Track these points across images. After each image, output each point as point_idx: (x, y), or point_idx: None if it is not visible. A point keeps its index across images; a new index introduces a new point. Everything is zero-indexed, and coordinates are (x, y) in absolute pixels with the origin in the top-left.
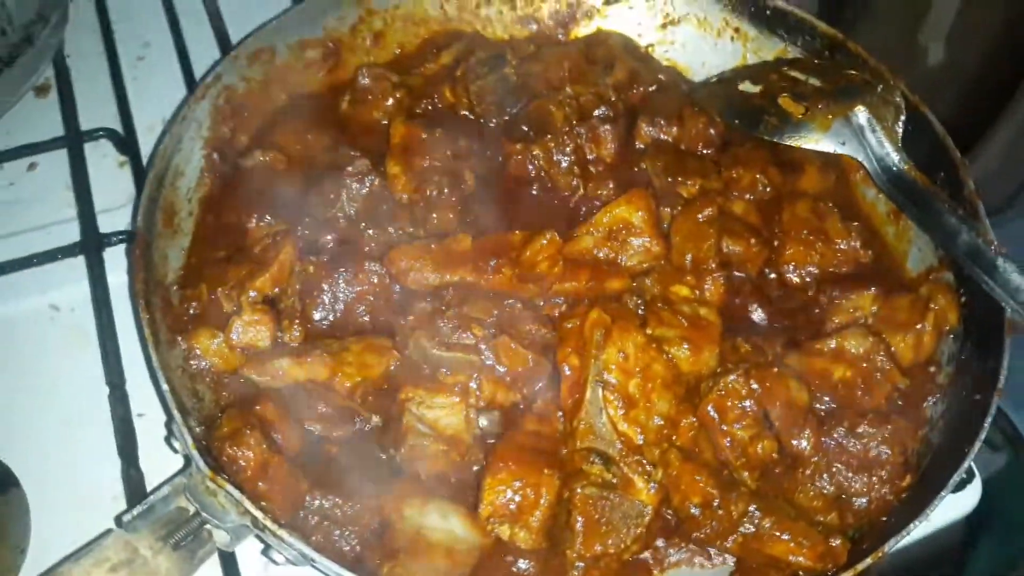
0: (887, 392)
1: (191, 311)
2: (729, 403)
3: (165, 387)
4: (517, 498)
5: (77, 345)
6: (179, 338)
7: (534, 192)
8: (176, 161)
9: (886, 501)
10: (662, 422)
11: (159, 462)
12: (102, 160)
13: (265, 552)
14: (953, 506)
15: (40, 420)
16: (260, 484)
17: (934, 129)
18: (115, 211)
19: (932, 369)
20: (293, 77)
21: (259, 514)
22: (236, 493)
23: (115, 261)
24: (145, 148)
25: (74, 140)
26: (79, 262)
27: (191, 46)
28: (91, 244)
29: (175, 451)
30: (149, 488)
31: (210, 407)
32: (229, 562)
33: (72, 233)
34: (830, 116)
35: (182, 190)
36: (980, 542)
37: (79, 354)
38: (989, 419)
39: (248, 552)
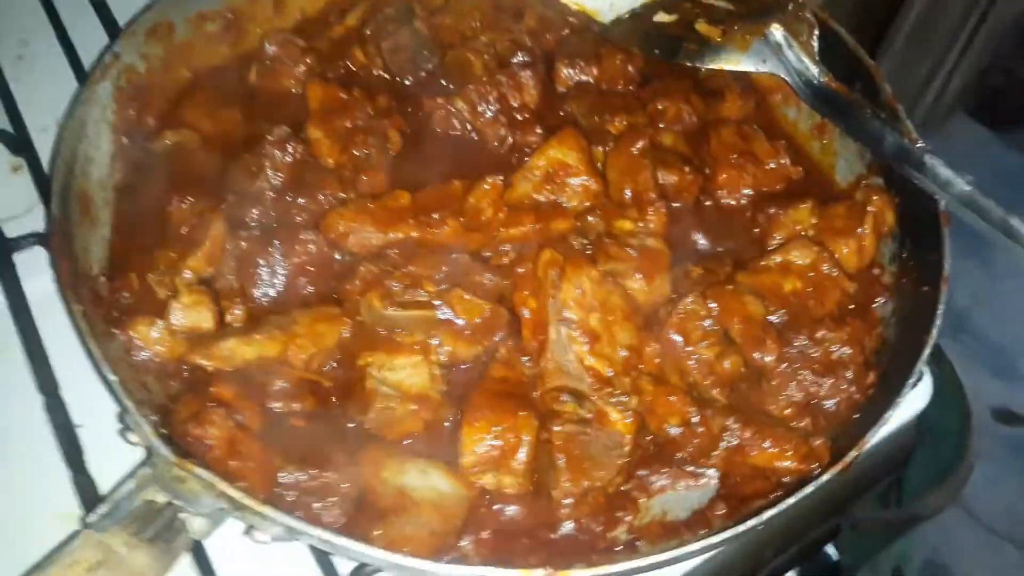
0: (837, 298)
1: (123, 301)
2: (690, 324)
3: (112, 377)
4: (498, 444)
5: None
6: (115, 331)
7: (462, 147)
8: (84, 148)
9: (854, 400)
10: (627, 353)
11: (107, 467)
12: None
13: (247, 533)
14: (909, 405)
15: None
16: (231, 463)
17: (845, 42)
18: (18, 219)
19: (876, 271)
20: (195, 52)
21: (236, 493)
22: (207, 475)
23: (28, 267)
24: (40, 149)
25: None
26: None
27: (75, 38)
28: None
29: (132, 443)
30: (103, 493)
31: (160, 398)
32: (199, 553)
33: None
34: (748, 36)
35: (94, 178)
36: (915, 452)
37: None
38: (942, 307)
39: (218, 542)
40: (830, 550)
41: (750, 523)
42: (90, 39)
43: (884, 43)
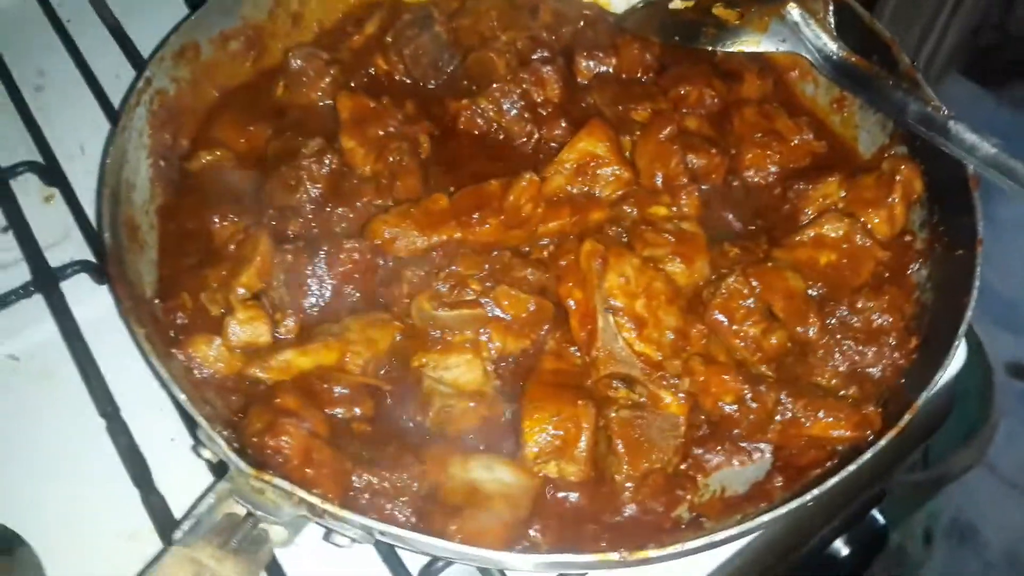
0: (871, 267)
1: (178, 322)
2: (734, 304)
3: (182, 396)
4: (559, 433)
5: (48, 390)
6: (174, 351)
7: (490, 145)
8: (125, 174)
9: (898, 365)
10: (674, 336)
11: (176, 484)
12: (25, 198)
13: (327, 538)
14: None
15: (32, 474)
16: (307, 471)
17: (859, 15)
18: (55, 247)
19: (908, 238)
20: (220, 71)
21: (316, 500)
22: (286, 485)
23: (74, 295)
24: (71, 177)
25: None
26: (31, 307)
27: (92, 63)
28: (46, 281)
29: (205, 459)
30: (174, 510)
31: (224, 412)
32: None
33: (17, 276)
34: (765, 17)
35: (138, 203)
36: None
37: (53, 398)
38: (978, 269)
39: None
40: (876, 514)
41: (813, 492)
42: (106, 62)
43: (876, 7)
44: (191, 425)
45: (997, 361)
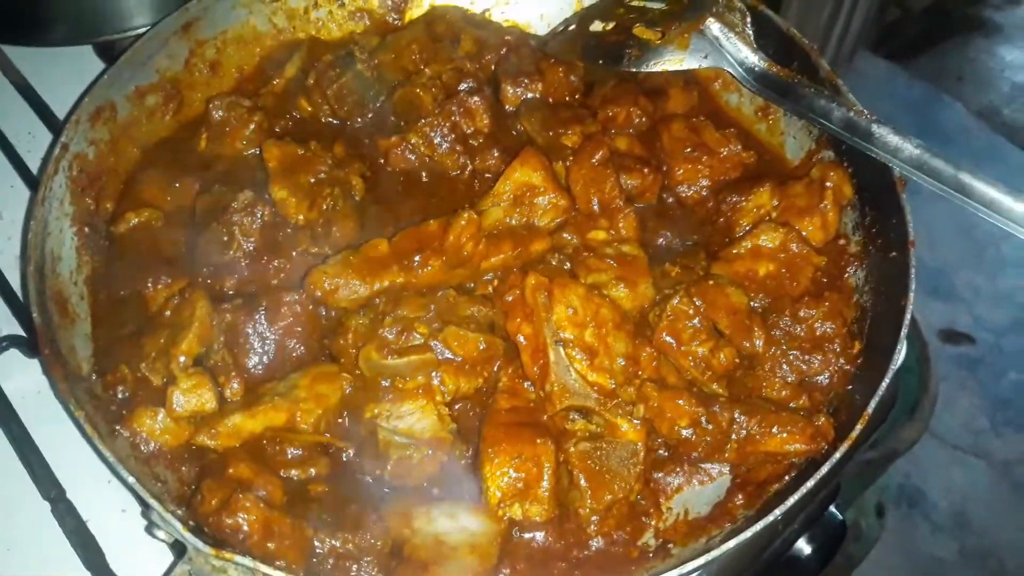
0: (810, 274)
1: (119, 396)
2: (680, 325)
3: (131, 479)
4: (520, 475)
5: None
6: (118, 428)
7: (424, 180)
8: (50, 246)
9: (845, 371)
10: (624, 362)
11: (129, 561)
12: None
13: None
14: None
15: None
16: (269, 544)
17: (777, 24)
18: None
19: (842, 242)
20: (140, 128)
21: (279, 575)
22: (248, 562)
23: (5, 372)
24: None
25: None
26: None
27: (3, 124)
28: None
29: (160, 540)
30: None
31: (176, 487)
32: None
33: None
34: (686, 34)
35: (65, 275)
36: None
37: None
38: (913, 270)
39: None
40: (833, 510)
41: (775, 513)
42: (16, 121)
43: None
44: (143, 502)
45: (931, 330)
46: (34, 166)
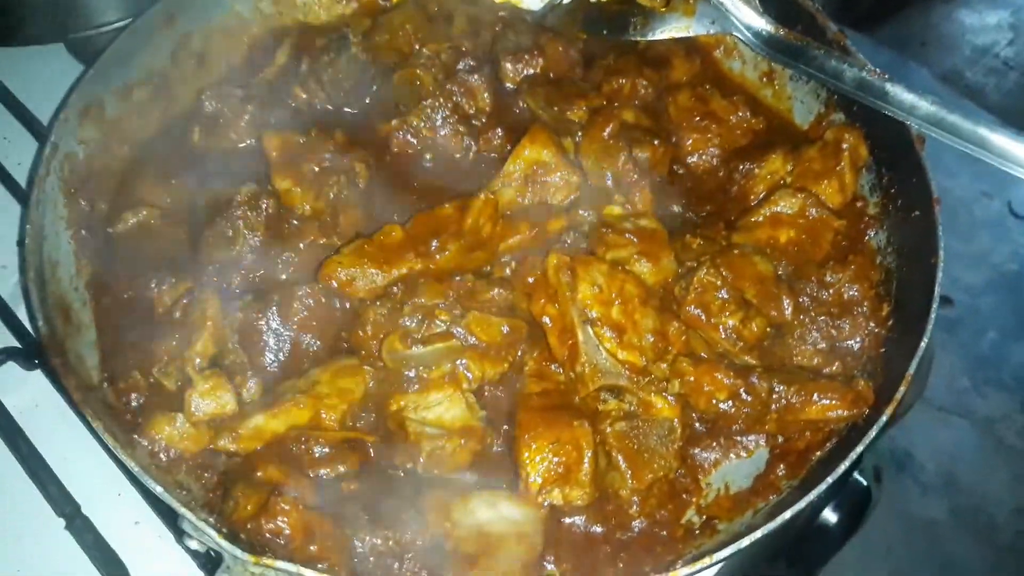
0: (830, 238)
1: (133, 404)
2: (708, 297)
3: (159, 489)
4: (560, 459)
5: None
6: (136, 437)
7: (427, 164)
8: (47, 252)
9: (876, 334)
10: (654, 338)
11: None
12: None
13: None
14: None
15: None
16: (311, 547)
17: None
18: None
19: (860, 204)
20: (130, 125)
21: None
22: (291, 567)
23: (5, 386)
24: None
25: None
26: None
27: None
28: None
29: (192, 549)
30: None
31: (202, 495)
32: None
33: None
34: (691, 1)
35: (64, 280)
36: None
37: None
38: (940, 228)
39: None
40: (858, 477)
41: (827, 481)
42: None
43: None
44: (161, 510)
45: None
46: (14, 172)
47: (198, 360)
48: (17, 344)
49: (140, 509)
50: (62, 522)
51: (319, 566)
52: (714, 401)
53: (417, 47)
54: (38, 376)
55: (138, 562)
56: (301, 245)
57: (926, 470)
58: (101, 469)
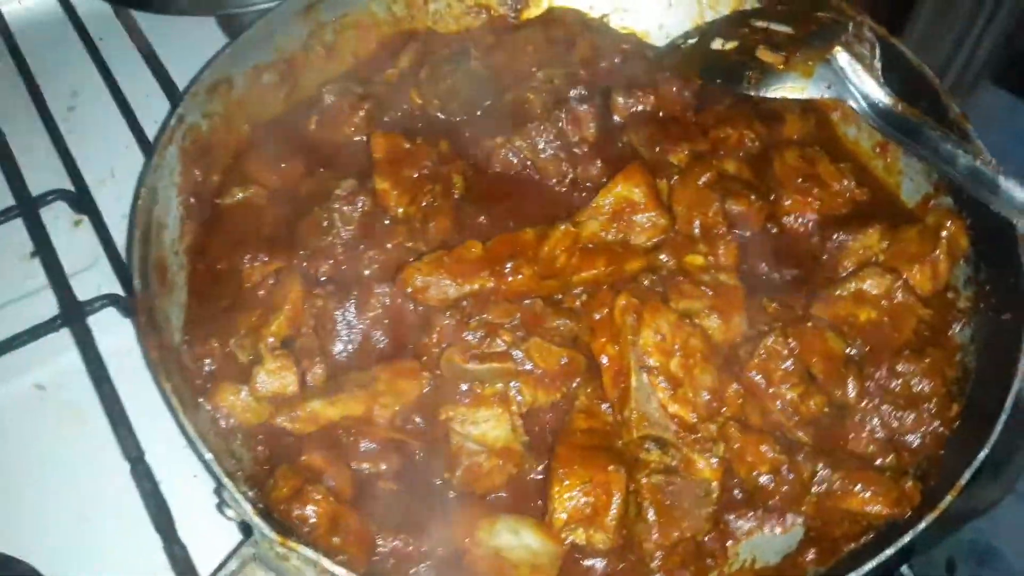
0: (913, 325)
1: (206, 369)
2: (772, 365)
3: (208, 455)
4: (589, 500)
5: (73, 423)
6: (201, 400)
7: (522, 184)
8: (156, 214)
9: (939, 434)
10: (709, 396)
11: (198, 532)
12: (55, 222)
13: None
14: None
15: (54, 510)
16: (334, 539)
17: (907, 58)
18: (82, 273)
19: (951, 295)
20: (253, 105)
21: (341, 571)
22: (312, 554)
23: (102, 328)
24: (101, 203)
25: (28, 207)
26: (58, 338)
27: (124, 86)
28: (74, 315)
29: (228, 518)
30: (195, 560)
31: (250, 466)
32: None
33: (43, 305)
34: (810, 62)
35: (167, 243)
36: None
37: (78, 433)
38: None
39: None
40: (905, 571)
41: None
42: (136, 85)
43: (910, 15)
44: (216, 479)
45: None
46: (148, 129)
47: (271, 339)
48: (121, 292)
49: (200, 465)
50: (127, 465)
51: (338, 557)
52: (755, 473)
53: (533, 69)
54: (132, 325)
55: (186, 516)
56: (388, 245)
57: (1013, 569)
58: (171, 422)
